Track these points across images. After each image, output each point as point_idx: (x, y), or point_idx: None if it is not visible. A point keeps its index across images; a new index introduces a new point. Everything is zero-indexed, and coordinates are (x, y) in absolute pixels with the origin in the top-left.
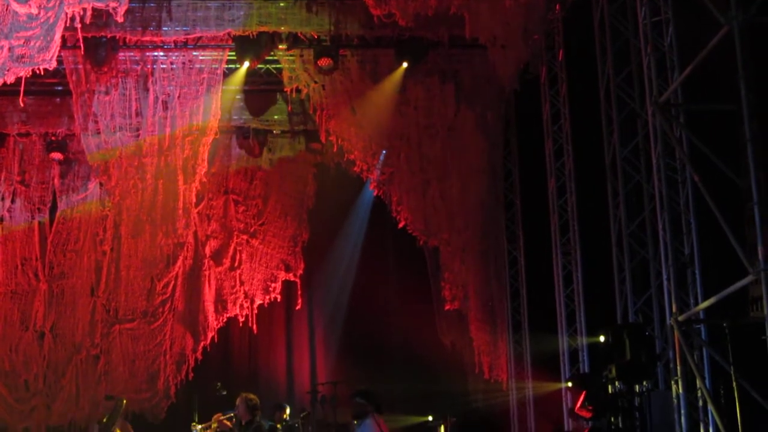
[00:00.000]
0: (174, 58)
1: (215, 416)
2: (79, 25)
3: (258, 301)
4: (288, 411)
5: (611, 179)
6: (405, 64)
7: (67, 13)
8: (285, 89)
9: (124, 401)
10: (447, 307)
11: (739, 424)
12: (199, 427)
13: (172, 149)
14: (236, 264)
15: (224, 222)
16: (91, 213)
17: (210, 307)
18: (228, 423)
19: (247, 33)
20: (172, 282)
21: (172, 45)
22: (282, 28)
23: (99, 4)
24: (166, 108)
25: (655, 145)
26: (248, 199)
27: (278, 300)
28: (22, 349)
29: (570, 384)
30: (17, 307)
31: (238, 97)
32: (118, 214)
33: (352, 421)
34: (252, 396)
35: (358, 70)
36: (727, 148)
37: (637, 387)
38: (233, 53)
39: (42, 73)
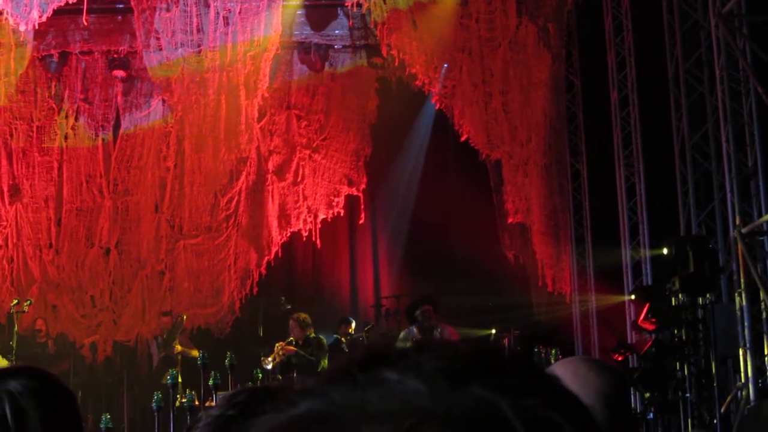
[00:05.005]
0: None
1: (277, 345)
2: None
3: (321, 216)
4: (353, 325)
5: (674, 91)
6: None
7: None
8: (346, 4)
9: (185, 317)
10: (510, 221)
11: None
12: (270, 359)
13: (234, 65)
14: (299, 179)
15: (287, 137)
16: (154, 129)
17: (273, 222)
18: (292, 348)
19: None
20: (236, 197)
21: None
22: None
23: None
24: (227, 24)
25: (718, 57)
26: (310, 114)
27: (341, 214)
28: (88, 265)
29: (633, 296)
30: (83, 223)
31: (298, 12)
32: (181, 130)
33: (422, 327)
34: (302, 315)
35: None
36: None
37: (700, 299)
38: None
39: None
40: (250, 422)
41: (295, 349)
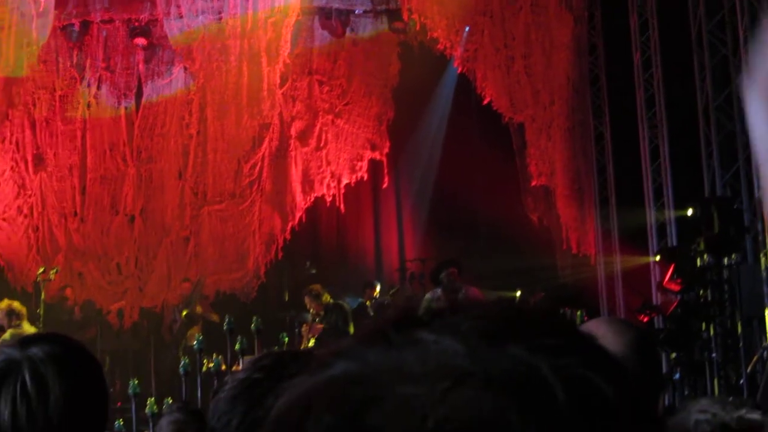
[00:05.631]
0: None
1: (303, 330)
2: None
3: (345, 181)
4: (378, 288)
5: (697, 52)
6: None
7: None
8: None
9: (204, 279)
10: (533, 183)
11: None
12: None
13: (255, 31)
14: (322, 144)
15: (309, 103)
16: (176, 97)
17: (297, 187)
18: (318, 325)
19: None
20: (259, 163)
21: None
22: None
23: None
24: None
25: (741, 18)
26: (332, 79)
27: (365, 179)
28: (113, 233)
29: (658, 258)
30: (107, 191)
31: None
32: (203, 97)
33: (447, 290)
34: (313, 287)
35: None
36: None
37: (725, 260)
38: None
39: None
40: (276, 385)
41: (321, 326)
